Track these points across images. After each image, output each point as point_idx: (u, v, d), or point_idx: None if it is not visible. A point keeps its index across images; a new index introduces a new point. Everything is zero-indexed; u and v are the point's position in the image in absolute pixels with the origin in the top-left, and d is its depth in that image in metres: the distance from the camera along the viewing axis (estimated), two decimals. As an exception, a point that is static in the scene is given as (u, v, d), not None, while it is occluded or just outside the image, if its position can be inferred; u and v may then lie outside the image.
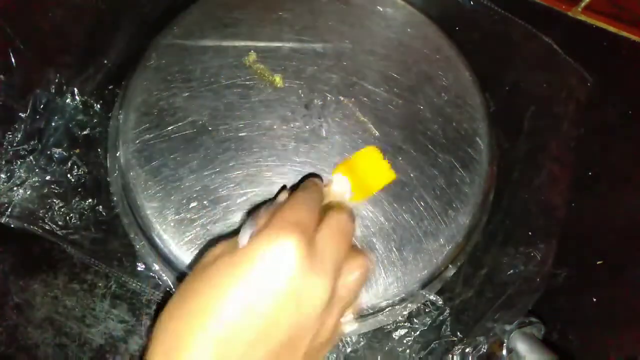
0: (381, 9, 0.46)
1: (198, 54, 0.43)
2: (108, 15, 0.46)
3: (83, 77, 0.44)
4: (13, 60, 0.41)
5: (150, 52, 0.43)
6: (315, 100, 0.42)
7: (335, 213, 0.29)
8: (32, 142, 0.42)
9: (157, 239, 0.38)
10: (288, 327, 0.25)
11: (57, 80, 0.43)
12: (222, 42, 0.43)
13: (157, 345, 0.25)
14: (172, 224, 0.38)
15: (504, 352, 0.40)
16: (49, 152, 0.42)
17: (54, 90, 0.43)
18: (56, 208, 0.40)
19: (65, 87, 0.43)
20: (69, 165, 0.42)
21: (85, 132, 0.43)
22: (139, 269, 0.40)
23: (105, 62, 0.45)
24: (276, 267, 0.24)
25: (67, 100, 0.43)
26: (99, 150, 0.43)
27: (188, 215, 0.38)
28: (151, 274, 0.40)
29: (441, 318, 0.41)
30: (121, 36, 0.46)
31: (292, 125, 0.41)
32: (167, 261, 0.39)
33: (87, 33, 0.45)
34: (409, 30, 0.46)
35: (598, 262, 0.45)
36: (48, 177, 0.41)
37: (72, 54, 0.44)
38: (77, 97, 0.44)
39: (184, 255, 0.37)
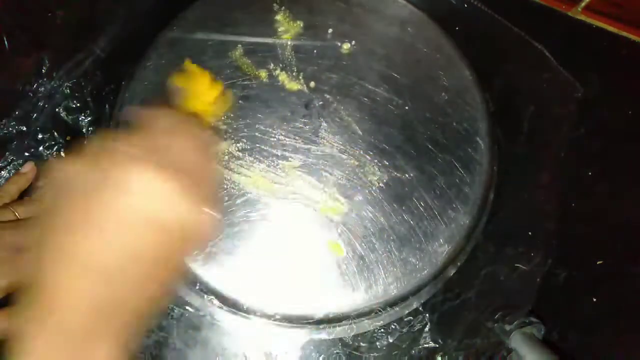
0: (381, 9, 0.46)
1: (198, 54, 0.43)
2: (101, 2, 0.46)
3: (72, 63, 0.44)
4: (6, 44, 0.41)
5: (150, 51, 0.43)
6: (315, 100, 0.42)
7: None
8: (20, 126, 0.42)
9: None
10: (150, 245, 0.25)
11: (47, 65, 0.43)
12: (222, 42, 0.43)
13: (38, 275, 0.24)
14: (172, 224, 0.38)
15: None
16: (39, 137, 0.42)
17: (44, 75, 0.43)
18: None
19: (55, 72, 0.44)
20: (56, 150, 0.42)
21: (72, 117, 0.43)
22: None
23: (95, 48, 0.45)
24: (145, 198, 0.25)
25: (55, 85, 0.43)
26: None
27: (188, 215, 0.38)
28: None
29: (420, 326, 0.41)
30: (112, 24, 0.46)
31: (292, 125, 0.41)
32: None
33: (79, 19, 0.46)
34: (409, 29, 0.46)
35: (598, 262, 0.45)
36: (36, 162, 0.41)
37: (63, 39, 0.44)
38: (65, 82, 0.44)
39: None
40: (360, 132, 0.42)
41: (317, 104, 0.42)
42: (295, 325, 0.39)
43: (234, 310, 0.38)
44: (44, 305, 0.24)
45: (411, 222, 0.40)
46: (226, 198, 0.39)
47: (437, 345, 0.40)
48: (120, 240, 0.24)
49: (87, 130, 0.43)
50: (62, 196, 0.25)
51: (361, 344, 0.40)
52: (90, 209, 0.24)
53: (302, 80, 0.43)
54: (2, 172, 0.41)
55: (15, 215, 0.37)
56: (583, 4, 0.49)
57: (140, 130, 0.29)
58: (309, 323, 0.38)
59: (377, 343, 0.40)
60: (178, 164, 0.26)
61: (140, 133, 0.28)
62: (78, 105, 0.44)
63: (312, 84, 0.43)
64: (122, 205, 0.24)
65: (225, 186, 0.39)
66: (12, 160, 0.41)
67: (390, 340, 0.40)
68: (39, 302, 0.24)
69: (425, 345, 0.40)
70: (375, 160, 0.41)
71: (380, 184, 0.40)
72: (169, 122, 0.30)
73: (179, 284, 0.38)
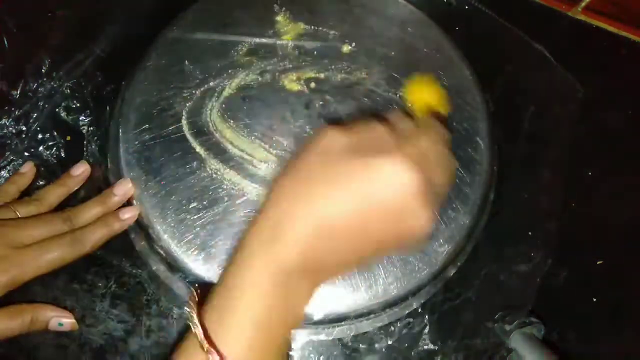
0: (382, 9, 0.46)
1: (198, 54, 0.43)
2: (101, 2, 0.46)
3: (72, 63, 0.44)
4: (5, 42, 0.41)
5: (150, 51, 0.43)
6: (315, 101, 0.42)
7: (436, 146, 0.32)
8: (20, 126, 0.42)
9: (157, 239, 0.38)
10: (380, 238, 0.29)
11: (47, 65, 0.43)
12: (222, 42, 0.43)
13: (264, 219, 0.28)
14: (172, 224, 0.38)
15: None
16: (39, 137, 0.42)
17: (44, 75, 0.43)
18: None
19: (55, 72, 0.44)
20: (55, 150, 0.42)
21: (72, 117, 0.43)
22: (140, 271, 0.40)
23: (95, 48, 0.45)
24: (401, 186, 0.27)
25: (55, 85, 0.43)
26: (94, 142, 0.43)
27: (188, 216, 0.38)
28: (151, 274, 0.40)
29: (419, 327, 0.41)
30: (112, 24, 0.46)
31: (292, 125, 0.41)
32: (167, 261, 0.39)
33: (79, 19, 0.45)
34: (409, 29, 0.46)
35: (598, 262, 0.45)
36: (35, 162, 0.41)
37: (63, 39, 0.44)
38: (65, 82, 0.44)
39: (184, 255, 0.38)
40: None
41: (317, 105, 0.42)
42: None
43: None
44: (276, 239, 0.27)
45: (411, 222, 0.40)
46: (226, 198, 0.39)
47: (437, 347, 0.40)
48: (353, 209, 0.27)
49: (87, 130, 0.43)
50: (321, 157, 0.29)
51: (360, 345, 0.40)
52: (340, 174, 0.28)
53: (302, 81, 0.43)
54: (2, 172, 0.41)
55: (16, 214, 0.37)
56: (583, 4, 0.49)
57: (397, 125, 0.32)
58: (309, 323, 0.38)
59: (376, 345, 0.40)
60: (429, 164, 0.29)
61: (400, 125, 0.32)
62: (78, 105, 0.44)
63: (313, 84, 0.43)
64: (368, 181, 0.27)
65: (225, 186, 0.39)
66: (12, 160, 0.41)
67: (390, 342, 0.40)
68: (272, 235, 0.27)
69: (424, 347, 0.40)
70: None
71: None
72: (420, 123, 0.33)
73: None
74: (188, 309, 0.28)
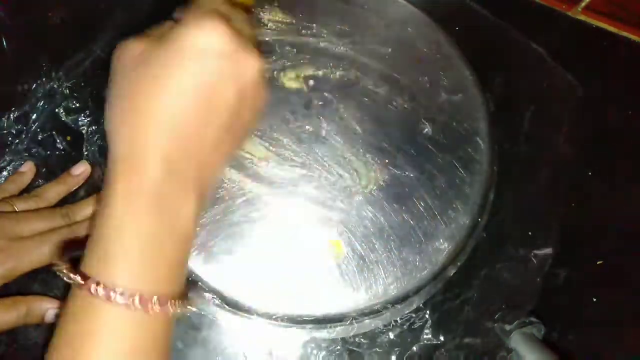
0: (382, 9, 0.46)
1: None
2: (101, 2, 0.46)
3: (72, 63, 0.44)
4: (4, 43, 0.41)
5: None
6: (315, 100, 0.42)
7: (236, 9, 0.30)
8: (19, 126, 0.42)
9: (157, 239, 0.38)
10: (231, 104, 0.27)
11: (46, 65, 0.43)
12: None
13: (113, 158, 0.26)
14: (172, 224, 0.38)
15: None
16: (39, 137, 0.42)
17: (43, 75, 0.43)
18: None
19: (55, 72, 0.43)
20: (55, 150, 0.42)
21: (72, 117, 0.43)
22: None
23: (95, 48, 0.45)
24: (211, 46, 0.26)
25: (54, 85, 0.43)
26: (94, 144, 0.43)
27: (188, 215, 0.38)
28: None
29: (420, 323, 0.41)
30: (113, 24, 0.46)
31: (292, 125, 0.41)
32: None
33: (79, 19, 0.45)
34: (409, 29, 0.46)
35: (598, 262, 0.45)
36: (35, 162, 0.41)
37: (63, 39, 0.44)
38: (65, 82, 0.44)
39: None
40: (361, 132, 0.42)
41: (317, 104, 0.42)
42: (295, 324, 0.39)
43: (234, 310, 0.38)
44: (132, 168, 0.26)
45: (411, 222, 0.40)
46: (226, 198, 0.39)
47: (438, 343, 0.40)
48: (190, 94, 0.26)
49: (87, 131, 0.43)
50: (131, 68, 0.27)
51: (362, 340, 0.40)
52: (155, 68, 0.26)
53: (301, 79, 0.43)
54: (3, 172, 0.41)
55: (14, 208, 0.37)
56: (583, 4, 0.49)
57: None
58: (310, 322, 0.38)
59: (378, 340, 0.40)
60: (224, 14, 0.27)
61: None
62: (78, 105, 0.44)
63: (311, 82, 0.43)
64: (183, 56, 0.26)
65: (225, 185, 0.39)
66: (12, 160, 0.41)
67: (391, 337, 0.40)
68: (122, 161, 0.26)
69: (425, 342, 0.40)
70: (375, 160, 0.41)
71: (380, 184, 0.40)
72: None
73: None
74: (57, 267, 0.27)
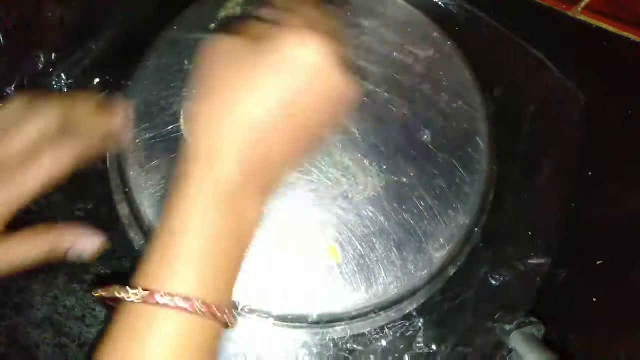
0: (381, 10, 0.46)
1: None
2: (101, 2, 0.46)
3: (71, 62, 0.44)
4: (1, 40, 0.41)
5: (150, 51, 0.43)
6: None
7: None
8: None
9: (157, 239, 0.38)
10: (312, 122, 0.27)
11: (43, 62, 0.43)
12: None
13: (193, 153, 0.26)
14: (172, 224, 0.38)
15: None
16: None
17: (43, 74, 0.43)
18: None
19: (52, 69, 0.43)
20: None
21: None
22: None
23: (94, 47, 0.45)
24: (311, 63, 0.26)
25: (52, 83, 0.43)
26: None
27: (188, 215, 0.38)
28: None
29: (416, 327, 0.41)
30: (112, 24, 0.46)
31: (292, 125, 0.41)
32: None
33: (79, 19, 0.45)
34: (409, 30, 0.46)
35: (598, 262, 0.45)
36: None
37: (63, 38, 0.44)
38: (63, 80, 0.44)
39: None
40: (361, 132, 0.42)
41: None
42: (295, 325, 0.39)
43: (233, 310, 0.38)
44: (212, 165, 0.26)
45: (411, 222, 0.40)
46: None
47: (436, 347, 0.40)
48: (277, 104, 0.26)
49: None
50: (222, 68, 0.27)
51: (356, 346, 0.40)
52: (250, 76, 0.26)
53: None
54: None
55: None
56: (583, 4, 0.49)
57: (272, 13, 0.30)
58: (310, 323, 0.38)
59: (372, 346, 0.40)
60: (321, 29, 0.27)
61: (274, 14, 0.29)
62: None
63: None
64: (280, 70, 0.26)
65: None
66: None
67: (386, 343, 0.40)
68: (198, 158, 0.26)
69: (423, 346, 0.40)
70: (375, 160, 0.41)
71: (380, 184, 0.40)
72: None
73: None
74: (106, 291, 0.25)
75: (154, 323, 0.24)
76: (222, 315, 0.25)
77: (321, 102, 0.27)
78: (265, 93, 0.26)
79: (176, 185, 0.26)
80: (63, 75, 0.44)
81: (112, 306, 0.26)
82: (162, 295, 0.24)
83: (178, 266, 0.25)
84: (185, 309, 0.24)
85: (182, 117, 0.41)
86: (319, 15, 0.29)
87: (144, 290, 0.24)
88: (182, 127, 0.40)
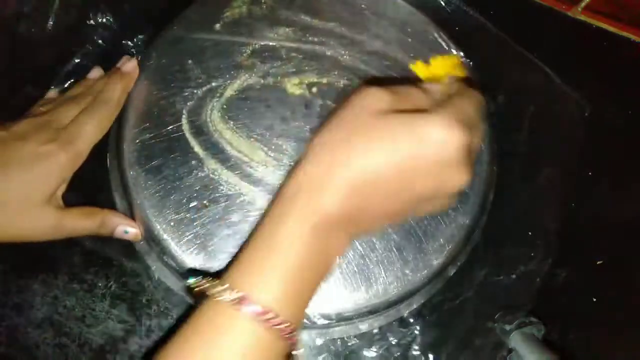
0: (382, 11, 0.46)
1: (199, 54, 0.43)
2: (101, 1, 0.46)
3: (72, 62, 0.44)
4: None
5: (150, 51, 0.43)
6: (315, 101, 0.42)
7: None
8: None
9: (157, 239, 0.38)
10: (414, 198, 0.29)
11: (46, 64, 0.44)
12: (222, 42, 0.43)
13: (302, 175, 0.28)
14: (172, 224, 0.38)
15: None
16: None
17: (43, 75, 0.43)
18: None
19: (54, 72, 0.43)
20: None
21: None
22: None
23: (95, 48, 0.45)
24: (444, 143, 0.27)
25: (54, 85, 0.43)
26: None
27: (188, 215, 0.38)
28: (151, 273, 0.40)
29: (412, 331, 0.41)
30: (112, 23, 0.45)
31: (292, 125, 0.41)
32: (167, 261, 0.39)
33: (79, 17, 0.45)
34: (409, 30, 0.46)
35: (598, 262, 0.45)
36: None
37: (63, 38, 0.44)
38: (64, 81, 0.44)
39: (183, 255, 0.38)
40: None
41: (317, 104, 0.42)
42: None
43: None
44: (316, 194, 0.27)
45: (411, 222, 0.40)
46: (227, 197, 0.39)
47: (435, 347, 0.40)
48: (394, 165, 0.27)
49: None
50: (361, 114, 0.29)
51: (357, 345, 0.40)
52: (382, 131, 0.28)
53: (304, 85, 0.43)
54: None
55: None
56: (583, 4, 0.49)
57: (432, 88, 0.32)
58: (310, 323, 0.38)
59: (373, 346, 0.40)
60: (468, 122, 0.29)
61: (434, 89, 0.32)
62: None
63: (314, 89, 0.43)
64: (411, 138, 0.27)
65: (226, 186, 0.39)
66: None
67: (387, 342, 0.40)
68: (311, 190, 0.28)
69: (420, 349, 0.40)
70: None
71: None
72: (452, 87, 0.33)
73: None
74: (194, 280, 0.28)
75: (235, 325, 0.26)
76: (294, 339, 0.27)
77: (434, 185, 0.28)
78: (392, 151, 0.27)
79: (275, 204, 0.29)
80: (65, 76, 0.44)
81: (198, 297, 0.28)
82: (254, 304, 0.25)
83: (267, 281, 0.27)
84: (269, 323, 0.25)
85: (183, 116, 0.41)
86: (473, 111, 0.31)
87: (237, 293, 0.26)
88: (185, 127, 0.40)
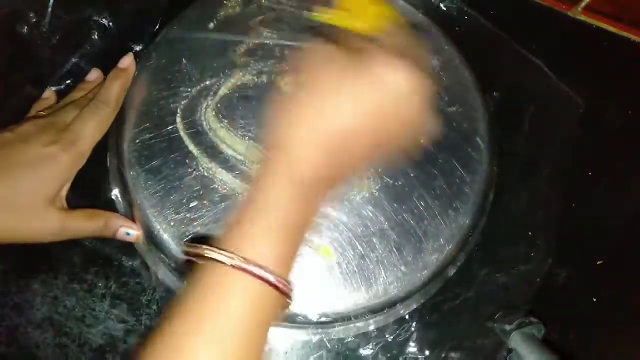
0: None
1: (197, 54, 0.43)
2: (100, 1, 0.46)
3: (71, 62, 0.44)
4: None
5: (150, 51, 0.43)
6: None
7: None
8: None
9: (157, 239, 0.38)
10: (382, 139, 0.30)
11: (45, 64, 0.43)
12: (222, 42, 0.43)
13: (276, 136, 0.29)
14: (172, 224, 0.38)
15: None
16: None
17: (42, 75, 0.43)
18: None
19: (54, 72, 0.43)
20: None
21: None
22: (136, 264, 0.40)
23: (94, 48, 0.45)
24: (400, 88, 0.29)
25: (54, 85, 0.43)
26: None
27: (188, 215, 0.38)
28: (151, 273, 0.40)
29: (411, 331, 0.41)
30: (112, 23, 0.45)
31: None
32: (166, 260, 0.39)
33: (78, 17, 0.45)
34: (408, 30, 0.46)
35: (598, 262, 0.45)
36: None
37: (62, 38, 0.44)
38: (64, 81, 0.44)
39: (184, 254, 0.37)
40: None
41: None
42: (295, 325, 0.39)
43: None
44: (292, 160, 0.28)
45: (411, 222, 0.40)
46: (227, 197, 0.39)
47: (435, 347, 0.40)
48: (364, 116, 0.29)
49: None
50: (321, 68, 0.30)
51: (354, 346, 0.40)
52: (342, 79, 0.29)
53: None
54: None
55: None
56: (583, 4, 0.49)
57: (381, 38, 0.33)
58: (310, 323, 0.38)
59: (373, 345, 0.40)
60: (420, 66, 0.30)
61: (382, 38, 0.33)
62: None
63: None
64: (372, 82, 0.29)
65: (222, 187, 0.39)
66: None
67: (385, 342, 0.40)
68: (278, 159, 0.29)
69: (420, 349, 0.40)
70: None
71: (380, 184, 0.40)
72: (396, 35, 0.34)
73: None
74: (196, 249, 0.28)
75: (237, 287, 0.26)
76: (290, 292, 0.28)
77: (401, 124, 0.30)
78: (356, 101, 0.29)
79: (262, 165, 0.30)
80: (64, 76, 0.44)
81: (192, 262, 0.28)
82: (254, 265, 0.26)
83: (265, 242, 0.27)
84: (268, 281, 0.26)
85: (178, 115, 0.41)
86: (409, 43, 0.32)
87: (239, 256, 0.26)
88: (180, 126, 0.40)
